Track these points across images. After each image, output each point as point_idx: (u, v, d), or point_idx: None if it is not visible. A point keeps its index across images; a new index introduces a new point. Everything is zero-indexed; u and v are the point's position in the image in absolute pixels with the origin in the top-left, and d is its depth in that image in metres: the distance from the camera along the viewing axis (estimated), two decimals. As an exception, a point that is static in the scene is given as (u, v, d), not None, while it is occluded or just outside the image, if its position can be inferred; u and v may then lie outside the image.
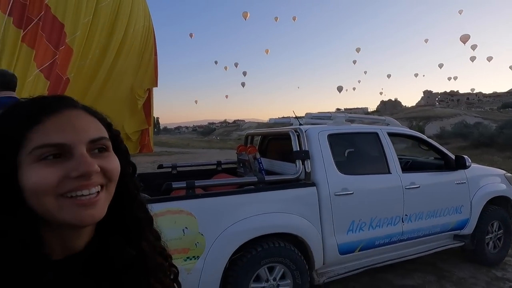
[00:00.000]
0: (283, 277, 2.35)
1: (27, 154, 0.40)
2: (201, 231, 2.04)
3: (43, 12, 3.51)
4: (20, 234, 0.39)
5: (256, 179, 2.32)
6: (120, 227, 0.52)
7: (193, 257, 2.02)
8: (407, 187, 2.78)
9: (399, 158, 2.96)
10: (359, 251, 2.60)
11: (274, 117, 3.74)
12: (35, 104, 0.43)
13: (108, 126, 0.50)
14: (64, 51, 3.98)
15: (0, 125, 0.42)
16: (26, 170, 0.40)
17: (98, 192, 0.43)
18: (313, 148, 2.57)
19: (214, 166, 3.79)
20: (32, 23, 3.49)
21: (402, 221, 2.77)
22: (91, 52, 4.52)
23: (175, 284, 0.61)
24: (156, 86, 6.85)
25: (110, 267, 0.49)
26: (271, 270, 2.31)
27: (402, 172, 2.85)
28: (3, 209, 0.38)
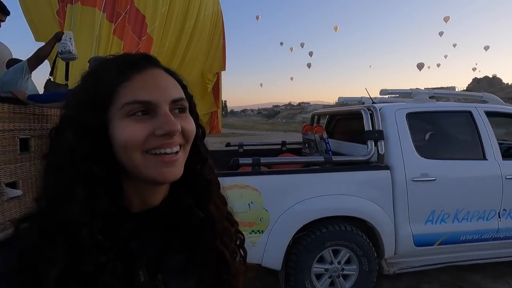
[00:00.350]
0: (348, 261, 2.26)
1: (118, 109, 0.42)
2: (266, 207, 2.07)
3: (128, 6, 3.86)
4: (106, 184, 0.42)
5: (323, 159, 2.23)
6: (191, 188, 0.53)
7: (258, 231, 2.07)
8: (508, 177, 2.32)
9: (498, 143, 2.47)
10: (439, 244, 2.31)
11: (343, 97, 3.50)
12: (124, 61, 0.45)
13: (184, 88, 0.51)
14: (145, 40, 4.37)
15: (92, 80, 0.44)
16: (117, 125, 0.42)
17: (177, 151, 0.44)
18: (388, 128, 2.33)
19: (279, 146, 3.79)
20: (121, 17, 3.91)
21: (499, 217, 2.35)
22: (167, 40, 4.88)
23: (241, 250, 0.60)
24: (224, 69, 7.12)
25: (181, 226, 0.50)
26: (336, 253, 2.24)
27: (503, 159, 2.38)
28: (95, 160, 0.41)
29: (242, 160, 2.15)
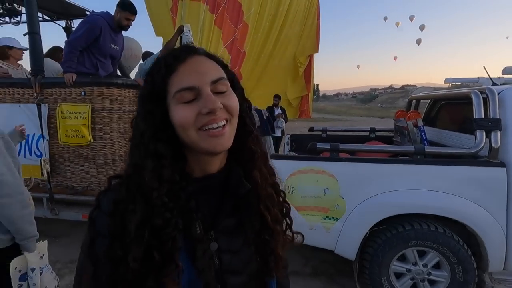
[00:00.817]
0: (437, 266, 2.00)
1: (171, 97, 0.51)
2: (342, 194, 2.01)
3: None
4: (171, 157, 0.52)
5: (413, 149, 1.98)
6: (240, 159, 0.60)
7: (332, 217, 2.04)
8: None
9: None
10: None
11: (453, 77, 2.96)
12: (170, 56, 0.53)
13: (224, 67, 0.57)
14: (242, 28, 4.61)
15: (149, 77, 0.54)
16: (173, 110, 0.51)
17: (224, 125, 0.52)
18: (509, 117, 1.88)
19: (367, 133, 3.52)
20: (220, 7, 4.23)
21: None
22: (262, 25, 5.01)
23: (287, 219, 0.65)
24: (317, 51, 6.87)
25: (232, 193, 0.58)
26: (422, 254, 2.01)
27: None
28: (160, 140, 0.51)
29: (320, 145, 2.11)
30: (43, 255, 1.35)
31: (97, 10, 2.90)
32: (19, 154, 2.61)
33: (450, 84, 3.26)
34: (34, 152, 2.65)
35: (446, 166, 1.93)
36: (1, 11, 3.10)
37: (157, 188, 0.50)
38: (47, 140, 2.61)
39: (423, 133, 2.45)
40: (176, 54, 0.53)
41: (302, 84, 6.84)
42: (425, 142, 2.43)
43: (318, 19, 6.48)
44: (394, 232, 1.99)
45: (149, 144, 0.51)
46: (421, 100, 3.24)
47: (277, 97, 5.82)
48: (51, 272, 1.39)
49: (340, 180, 2.02)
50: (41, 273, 1.32)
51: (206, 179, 0.57)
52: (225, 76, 0.55)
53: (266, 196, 0.60)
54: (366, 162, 2.04)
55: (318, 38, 6.57)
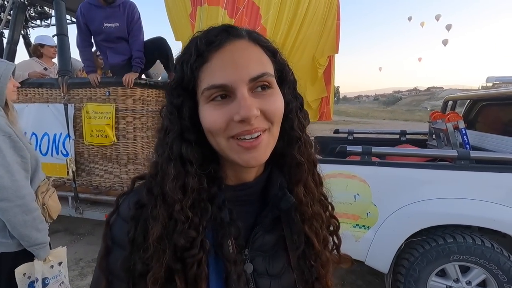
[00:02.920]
0: (483, 284, 1.80)
1: (200, 94, 0.42)
2: (375, 201, 1.86)
3: (246, 0, 4.02)
4: (200, 160, 0.43)
5: (456, 154, 1.80)
6: (282, 167, 0.50)
7: (363, 226, 1.90)
8: None
9: None
10: None
11: (495, 76, 2.72)
12: (202, 40, 0.42)
13: (273, 53, 0.46)
14: (259, 31, 4.54)
15: (179, 65, 0.44)
16: (201, 110, 0.42)
17: (259, 135, 0.41)
18: None
19: (397, 136, 3.32)
20: (239, 12, 4.18)
21: None
22: (281, 28, 4.91)
23: (334, 237, 0.54)
24: (337, 52, 6.68)
25: (273, 206, 0.48)
26: (465, 270, 1.81)
27: None
28: (186, 142, 0.43)
29: (350, 148, 1.97)
30: (60, 262, 1.29)
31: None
32: (46, 153, 2.66)
33: (480, 86, 3.02)
34: (61, 151, 2.69)
35: (494, 173, 1.73)
36: (33, 14, 3.21)
37: (180, 199, 0.41)
38: (73, 139, 2.64)
39: (464, 137, 2.24)
40: (211, 38, 0.42)
41: (321, 85, 6.66)
42: (467, 146, 2.22)
43: (338, 19, 6.29)
44: (433, 245, 1.81)
45: (173, 145, 0.42)
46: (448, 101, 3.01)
47: None
48: (60, 284, 1.30)
49: (372, 185, 1.87)
50: (46, 284, 1.25)
51: (241, 188, 0.47)
52: (270, 70, 0.43)
53: (312, 215, 0.49)
54: (402, 167, 1.87)
55: (338, 39, 6.38)
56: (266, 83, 0.42)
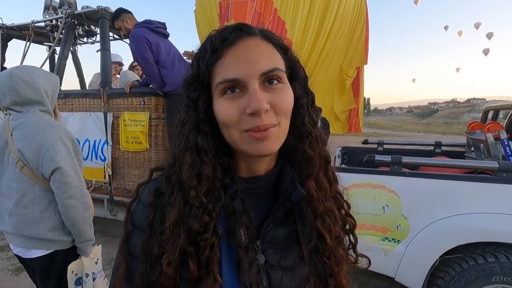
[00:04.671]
0: (531, 311, 1.62)
1: (215, 88, 0.44)
2: (405, 214, 1.77)
3: (272, 16, 4.11)
4: (214, 151, 0.46)
5: (497, 166, 1.67)
6: (294, 159, 0.50)
7: (393, 239, 1.81)
8: None
9: None
10: None
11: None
12: (217, 37, 0.45)
13: (285, 50, 0.48)
14: None
15: (196, 60, 0.47)
16: (215, 103, 0.45)
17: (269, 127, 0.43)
18: None
19: (431, 147, 3.15)
20: (265, 27, 4.28)
21: None
22: (307, 41, 4.93)
23: (350, 236, 0.54)
24: (366, 63, 6.53)
25: (284, 199, 0.49)
26: (509, 293, 1.65)
27: None
28: (201, 133, 0.45)
29: (378, 157, 1.91)
30: (97, 260, 1.38)
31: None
32: (86, 158, 2.87)
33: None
34: (99, 156, 2.89)
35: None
36: (81, 32, 3.55)
37: (195, 186, 0.43)
38: (110, 145, 2.83)
39: (507, 148, 2.08)
40: (225, 36, 0.44)
41: (350, 97, 6.52)
42: (510, 157, 2.05)
43: (367, 30, 6.17)
44: (472, 264, 1.67)
45: (189, 136, 0.45)
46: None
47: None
48: (104, 278, 1.40)
49: (402, 197, 1.79)
50: (94, 279, 1.33)
51: (253, 181, 0.49)
52: (281, 66, 0.45)
53: (325, 211, 0.49)
54: (436, 178, 1.77)
55: (367, 49, 6.25)
56: (277, 78, 0.44)
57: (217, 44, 0.44)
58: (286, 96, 0.45)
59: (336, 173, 0.55)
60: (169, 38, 2.73)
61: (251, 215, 0.46)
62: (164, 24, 2.62)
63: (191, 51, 3.24)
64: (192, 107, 0.46)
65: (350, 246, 0.54)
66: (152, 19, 2.62)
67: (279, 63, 0.45)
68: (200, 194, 0.43)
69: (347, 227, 0.54)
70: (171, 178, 0.47)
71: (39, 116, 1.27)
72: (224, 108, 0.43)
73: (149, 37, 2.49)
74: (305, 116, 0.49)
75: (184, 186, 0.44)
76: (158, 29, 2.54)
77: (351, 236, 0.54)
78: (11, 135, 1.24)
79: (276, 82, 0.44)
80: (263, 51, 0.45)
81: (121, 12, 2.65)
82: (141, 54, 2.49)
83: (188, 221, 0.43)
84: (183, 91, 0.48)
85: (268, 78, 0.43)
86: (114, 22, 2.69)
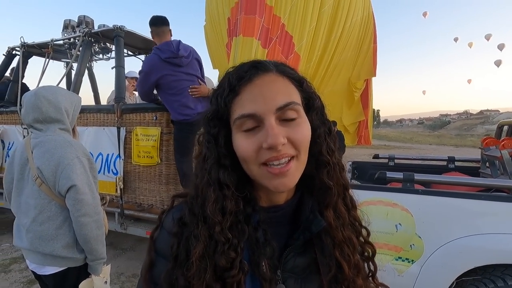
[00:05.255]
0: None
1: (233, 124, 0.46)
2: (419, 233, 1.73)
3: (279, 31, 4.17)
4: (236, 184, 0.47)
5: (514, 184, 1.63)
6: (313, 188, 0.51)
7: (406, 259, 1.76)
8: None
9: None
10: None
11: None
12: (235, 75, 0.47)
13: (300, 82, 0.49)
14: (293, 58, 4.61)
15: (214, 98, 0.49)
16: (234, 138, 0.46)
17: (288, 161, 0.44)
18: None
19: (444, 163, 3.08)
20: (272, 42, 4.33)
21: None
22: (314, 55, 4.97)
23: (370, 264, 0.53)
24: (374, 75, 6.53)
25: (304, 229, 0.49)
26: (532, 319, 1.57)
27: None
28: (223, 167, 0.47)
29: (390, 174, 1.89)
30: (106, 280, 1.38)
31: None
32: (99, 171, 2.93)
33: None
34: (112, 170, 2.94)
35: None
36: (97, 49, 3.69)
37: (220, 221, 0.44)
38: (122, 159, 2.89)
39: (524, 165, 2.03)
40: (241, 74, 0.47)
41: (359, 109, 6.50)
42: (528, 175, 2.00)
43: (375, 43, 6.18)
44: (490, 286, 1.61)
45: (211, 172, 0.46)
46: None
47: (333, 123, 5.60)
48: None
49: (416, 215, 1.75)
50: None
51: (273, 210, 0.49)
52: (297, 99, 0.46)
53: (343, 239, 0.49)
54: (451, 197, 1.73)
55: (375, 62, 6.25)
56: (293, 112, 0.45)
57: (234, 82, 0.46)
58: (303, 129, 0.46)
59: (354, 197, 0.55)
60: None
61: (274, 246, 0.47)
62: (177, 46, 2.52)
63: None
64: (213, 142, 0.47)
65: (370, 274, 0.54)
66: (170, 41, 2.55)
67: (295, 96, 0.47)
68: (225, 229, 0.44)
69: (366, 254, 0.54)
70: (195, 210, 0.47)
71: (58, 134, 1.31)
72: (242, 144, 0.45)
73: (157, 69, 2.49)
74: (322, 145, 0.49)
75: (208, 221, 0.45)
76: (169, 60, 2.49)
77: (370, 264, 0.54)
78: (32, 152, 1.28)
79: (293, 116, 0.45)
80: (279, 86, 0.46)
81: (150, 25, 2.64)
82: (142, 88, 2.63)
83: (215, 257, 0.43)
84: (204, 127, 0.49)
85: (285, 113, 0.45)
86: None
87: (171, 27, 2.67)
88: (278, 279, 0.48)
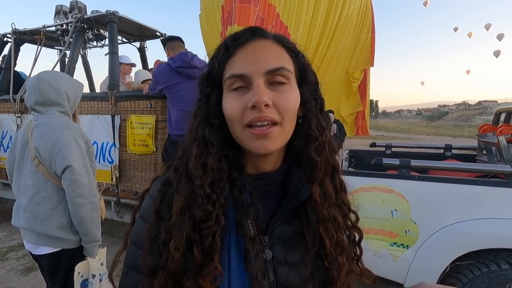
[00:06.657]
0: (549, 321, 1.55)
1: (223, 83, 0.47)
2: (414, 218, 1.73)
3: (274, 21, 4.10)
4: (221, 144, 0.47)
5: (511, 169, 1.62)
6: (301, 165, 0.51)
7: (401, 244, 1.76)
8: None
9: None
10: None
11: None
12: (230, 38, 0.48)
13: (295, 54, 0.49)
14: None
15: (211, 60, 0.50)
16: (223, 98, 0.47)
17: (271, 125, 0.44)
18: None
19: (441, 151, 3.08)
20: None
21: None
22: (311, 45, 4.90)
23: (357, 248, 0.53)
24: (372, 65, 6.46)
25: (292, 197, 0.50)
26: (524, 302, 1.59)
27: None
28: (208, 126, 0.47)
29: (386, 160, 1.88)
30: (103, 262, 1.38)
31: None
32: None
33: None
34: (107, 158, 2.92)
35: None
36: (91, 36, 3.61)
37: (200, 176, 0.45)
38: (117, 148, 2.86)
39: (521, 151, 2.02)
40: (237, 36, 0.47)
41: (357, 99, 6.46)
42: (524, 161, 1.99)
43: (373, 32, 6.09)
44: (484, 270, 1.62)
45: (198, 128, 0.47)
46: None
47: (330, 112, 5.56)
48: (108, 281, 1.41)
49: (411, 201, 1.75)
50: (100, 280, 1.34)
51: (260, 177, 0.50)
52: (289, 67, 0.46)
53: (328, 217, 0.49)
54: (446, 182, 1.73)
55: (373, 52, 6.17)
56: (283, 78, 0.45)
57: (230, 43, 0.47)
58: (290, 96, 0.45)
59: (346, 182, 0.55)
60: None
61: (259, 208, 0.47)
62: (191, 57, 2.41)
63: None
64: (204, 102, 0.48)
65: (355, 258, 0.54)
66: (185, 52, 2.46)
67: (287, 63, 0.46)
68: (205, 184, 0.45)
69: (352, 238, 0.53)
70: (179, 168, 0.49)
71: (58, 116, 1.33)
72: (230, 104, 0.45)
73: (165, 78, 2.44)
74: (312, 120, 0.49)
75: (190, 176, 0.46)
76: (179, 69, 2.40)
77: (357, 248, 0.54)
78: (32, 134, 1.29)
79: (282, 81, 0.45)
80: (272, 51, 0.46)
81: (166, 42, 2.68)
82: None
83: (193, 209, 0.45)
84: (198, 87, 0.50)
85: (274, 77, 0.44)
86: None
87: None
88: (265, 245, 0.48)
